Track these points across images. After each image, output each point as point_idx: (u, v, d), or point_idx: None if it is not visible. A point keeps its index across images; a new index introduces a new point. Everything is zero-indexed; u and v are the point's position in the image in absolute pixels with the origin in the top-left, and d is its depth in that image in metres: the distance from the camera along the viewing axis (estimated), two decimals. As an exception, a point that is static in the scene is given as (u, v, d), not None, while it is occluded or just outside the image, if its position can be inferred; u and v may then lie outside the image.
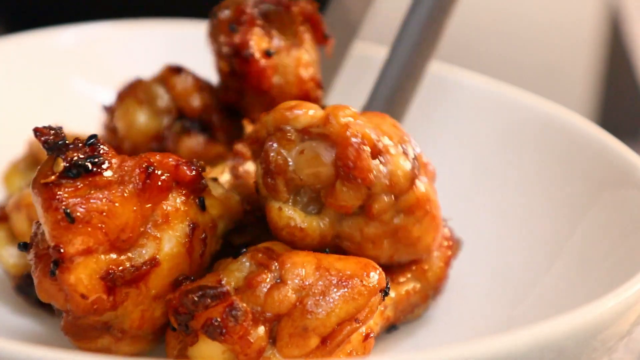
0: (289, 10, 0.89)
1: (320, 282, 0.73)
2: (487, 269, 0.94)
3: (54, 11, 1.41)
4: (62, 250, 0.69)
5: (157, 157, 0.75)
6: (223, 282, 0.72)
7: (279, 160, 0.76)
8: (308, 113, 0.77)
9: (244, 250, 0.76)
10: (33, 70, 1.16)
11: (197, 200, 0.77)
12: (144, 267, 0.72)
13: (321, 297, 0.72)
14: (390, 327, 0.85)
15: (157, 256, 0.73)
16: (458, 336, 0.88)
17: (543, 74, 1.66)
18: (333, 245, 0.79)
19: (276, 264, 0.73)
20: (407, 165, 0.77)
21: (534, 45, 1.77)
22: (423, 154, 0.82)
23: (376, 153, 0.76)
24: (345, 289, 0.73)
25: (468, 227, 0.97)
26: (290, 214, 0.77)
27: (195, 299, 0.70)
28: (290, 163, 0.76)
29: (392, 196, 0.77)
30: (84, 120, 1.10)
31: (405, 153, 0.78)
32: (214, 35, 0.89)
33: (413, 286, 0.85)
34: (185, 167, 0.75)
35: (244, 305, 0.71)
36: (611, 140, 0.93)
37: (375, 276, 0.75)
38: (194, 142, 0.91)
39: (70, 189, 0.70)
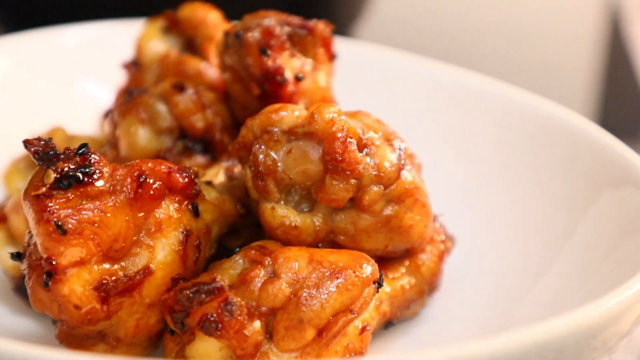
0: (312, 33, 0.89)
1: (314, 275, 0.73)
2: (487, 269, 0.94)
3: (55, 11, 1.41)
4: (54, 262, 0.68)
5: (149, 165, 0.74)
6: (217, 279, 0.72)
7: (267, 162, 0.77)
8: (293, 114, 0.78)
9: (237, 249, 0.76)
10: (35, 69, 1.16)
11: (190, 207, 0.77)
12: (138, 277, 0.72)
13: (315, 290, 0.72)
14: (388, 324, 0.85)
15: (151, 265, 0.73)
16: (457, 335, 0.88)
17: (543, 74, 1.66)
18: (328, 241, 0.80)
19: (269, 259, 0.73)
20: (393, 156, 0.79)
21: (534, 45, 1.77)
22: (409, 147, 0.83)
23: (362, 146, 0.77)
24: (339, 281, 0.73)
25: (467, 227, 0.98)
26: (283, 213, 0.78)
27: (190, 295, 0.70)
28: (279, 163, 0.77)
29: (381, 186, 0.78)
30: (85, 118, 1.10)
31: (390, 145, 0.79)
32: (237, 55, 0.87)
33: (408, 281, 0.86)
34: (177, 175, 0.75)
35: (239, 299, 0.71)
36: (611, 140, 0.93)
37: (368, 267, 0.75)
38: (194, 164, 0.90)
39: (61, 200, 0.69)
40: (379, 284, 0.76)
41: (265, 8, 0.97)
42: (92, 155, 0.72)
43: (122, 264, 0.72)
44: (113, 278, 0.71)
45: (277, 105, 0.79)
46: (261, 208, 0.78)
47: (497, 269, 0.94)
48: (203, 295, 0.70)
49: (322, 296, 0.72)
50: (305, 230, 0.78)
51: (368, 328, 0.77)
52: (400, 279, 0.85)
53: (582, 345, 0.67)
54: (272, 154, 0.77)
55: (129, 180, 0.72)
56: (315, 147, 0.77)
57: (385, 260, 0.85)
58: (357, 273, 0.74)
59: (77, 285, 0.69)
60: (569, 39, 1.81)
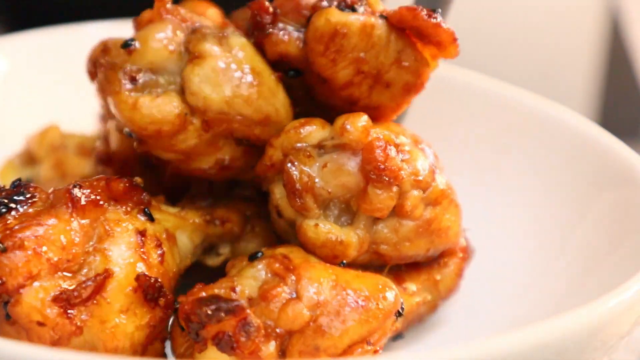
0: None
1: (335, 301, 0.71)
2: (485, 268, 0.94)
3: (55, 11, 1.41)
4: (3, 281, 0.68)
5: (86, 181, 0.75)
6: (237, 290, 0.71)
7: (303, 178, 0.76)
8: (320, 127, 0.77)
9: (260, 254, 0.75)
10: (34, 69, 1.16)
11: (142, 212, 0.76)
12: (98, 279, 0.71)
13: (335, 317, 0.71)
14: (396, 336, 0.85)
15: (108, 267, 0.71)
16: (457, 336, 0.88)
17: (543, 74, 1.66)
18: (370, 253, 0.79)
19: (293, 277, 0.72)
20: (427, 160, 0.78)
21: (535, 45, 1.77)
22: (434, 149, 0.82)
23: (398, 152, 0.76)
24: (361, 311, 0.72)
25: (468, 228, 0.97)
26: (327, 229, 0.76)
27: (209, 312, 0.68)
28: (317, 179, 0.76)
29: (421, 191, 0.77)
30: (84, 118, 1.10)
31: (421, 148, 0.79)
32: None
33: (424, 297, 0.85)
34: (114, 182, 0.75)
35: (258, 321, 0.69)
36: (611, 140, 0.92)
37: (391, 298, 0.74)
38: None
39: None
40: (399, 313, 0.75)
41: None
42: (25, 185, 0.73)
43: (80, 272, 0.71)
44: (71, 287, 0.70)
45: (301, 120, 0.78)
46: (302, 227, 0.77)
47: (496, 268, 0.93)
48: (222, 314, 0.68)
49: (341, 325, 0.71)
50: (351, 244, 0.77)
51: (380, 351, 0.76)
52: (417, 295, 0.84)
53: (582, 345, 0.67)
54: (307, 170, 0.76)
55: (67, 195, 0.72)
56: (351, 158, 0.76)
57: (403, 272, 0.83)
58: (379, 305, 0.73)
59: (34, 300, 0.69)
60: (569, 39, 1.81)
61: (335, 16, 0.77)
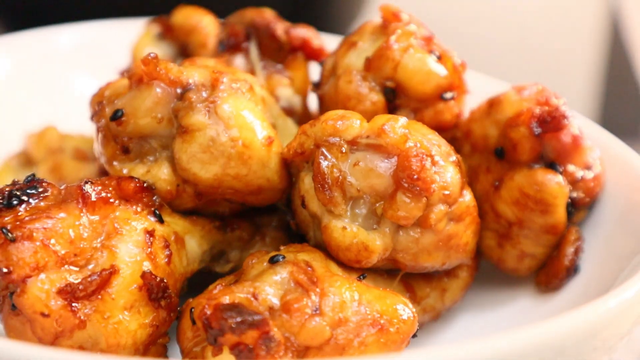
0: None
1: (356, 319, 0.71)
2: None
3: (54, 11, 1.41)
4: (10, 270, 0.69)
5: (100, 179, 0.76)
6: (259, 298, 0.70)
7: (335, 173, 0.75)
8: (357, 124, 0.76)
9: (281, 257, 0.74)
10: (33, 68, 1.16)
11: (152, 213, 0.76)
12: (103, 274, 0.71)
13: (355, 337, 0.71)
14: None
15: (115, 263, 0.72)
16: (457, 336, 0.88)
17: (543, 74, 1.66)
18: (388, 259, 0.78)
19: (317, 290, 0.71)
20: (457, 175, 0.77)
21: (535, 44, 1.77)
22: (459, 157, 0.80)
23: (432, 164, 0.75)
24: (380, 334, 0.72)
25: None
26: (354, 233, 0.76)
27: (233, 325, 0.67)
28: (348, 177, 0.75)
29: (447, 205, 0.76)
30: (82, 118, 1.10)
31: (454, 162, 0.77)
32: None
33: (431, 307, 0.85)
34: (125, 182, 0.76)
35: (279, 335, 0.68)
36: (611, 140, 0.92)
37: (410, 322, 0.73)
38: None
39: (9, 217, 0.71)
40: (414, 335, 0.75)
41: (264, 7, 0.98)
42: (38, 180, 0.74)
43: (86, 267, 0.72)
44: (77, 281, 0.70)
45: (339, 113, 0.77)
46: (329, 227, 0.76)
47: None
48: (246, 327, 0.67)
49: (360, 346, 0.71)
50: (375, 252, 0.76)
51: None
52: (423, 307, 0.85)
53: (582, 345, 0.67)
54: (340, 164, 0.75)
55: (78, 191, 0.73)
56: (385, 161, 0.75)
57: (412, 279, 0.83)
58: (399, 329, 0.73)
59: (39, 292, 0.69)
60: (569, 39, 1.81)
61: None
